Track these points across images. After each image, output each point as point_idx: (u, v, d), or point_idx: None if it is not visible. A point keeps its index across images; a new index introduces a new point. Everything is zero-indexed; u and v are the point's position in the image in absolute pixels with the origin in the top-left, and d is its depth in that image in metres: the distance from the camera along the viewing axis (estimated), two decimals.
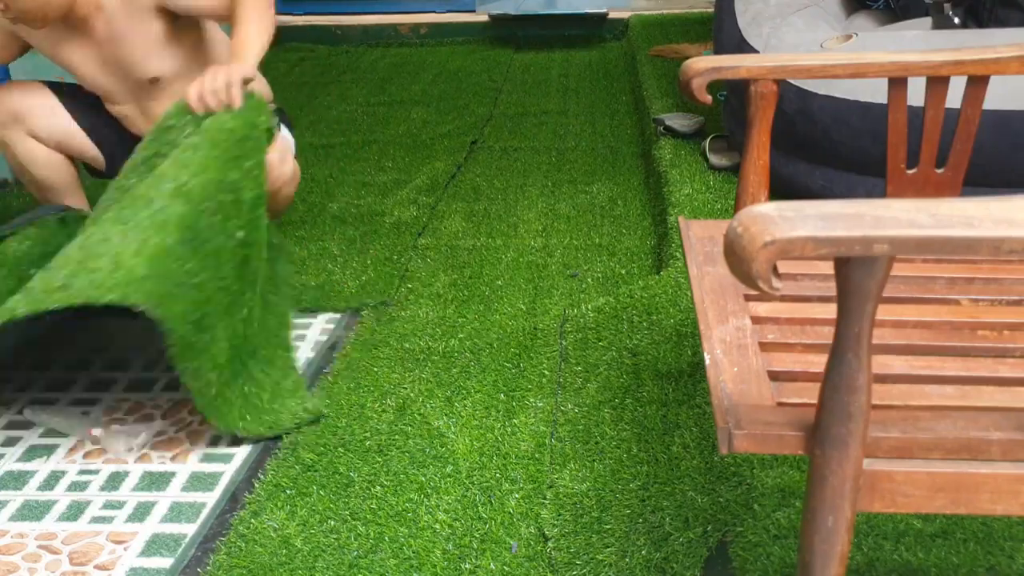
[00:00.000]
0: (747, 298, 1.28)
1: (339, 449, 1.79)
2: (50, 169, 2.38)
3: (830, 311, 0.91)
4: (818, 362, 0.94)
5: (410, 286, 2.45)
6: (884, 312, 1.18)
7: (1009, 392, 1.07)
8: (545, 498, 1.64)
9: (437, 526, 1.59)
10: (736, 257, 0.80)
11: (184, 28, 2.23)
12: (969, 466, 0.95)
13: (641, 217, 2.85)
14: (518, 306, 2.33)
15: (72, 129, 2.37)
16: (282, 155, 2.20)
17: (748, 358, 1.13)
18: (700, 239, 1.48)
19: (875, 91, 1.83)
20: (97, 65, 2.20)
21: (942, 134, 1.47)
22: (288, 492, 1.68)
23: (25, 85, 2.37)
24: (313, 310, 2.35)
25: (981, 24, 2.48)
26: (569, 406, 1.89)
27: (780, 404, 1.04)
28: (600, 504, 1.59)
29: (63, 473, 1.79)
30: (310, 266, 2.57)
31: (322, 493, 1.67)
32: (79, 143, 2.39)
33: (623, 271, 2.51)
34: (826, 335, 0.93)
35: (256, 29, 2.06)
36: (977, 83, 1.46)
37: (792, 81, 2.30)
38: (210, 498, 1.70)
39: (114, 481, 1.76)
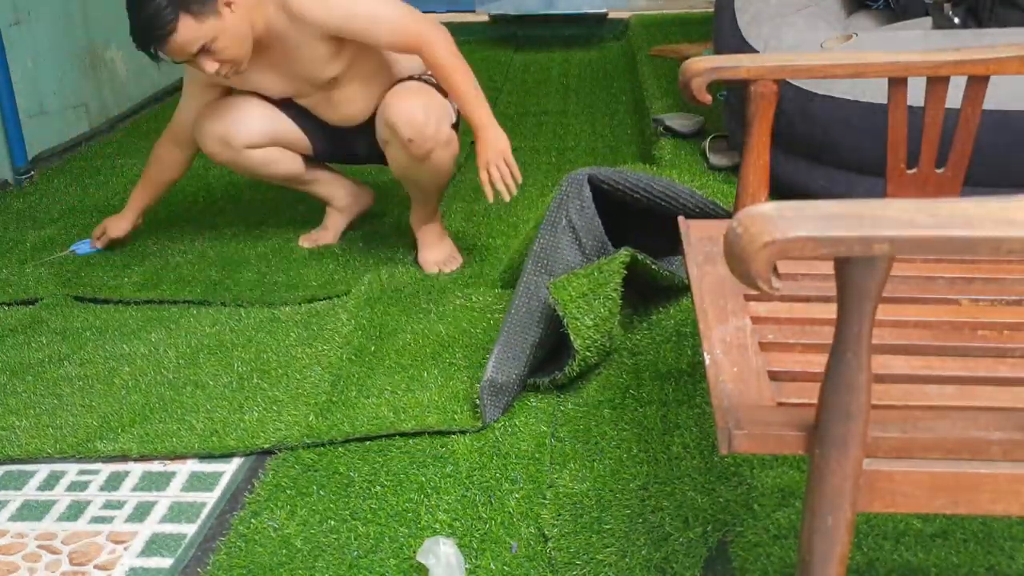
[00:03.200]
0: (747, 298, 1.28)
1: (339, 449, 1.79)
2: (280, 164, 2.53)
3: (830, 311, 0.91)
4: (818, 362, 0.94)
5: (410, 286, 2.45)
6: (884, 312, 1.17)
7: (1009, 392, 1.07)
8: (545, 498, 1.64)
9: (437, 526, 1.59)
10: (736, 257, 0.80)
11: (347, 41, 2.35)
12: (969, 466, 0.95)
13: None
14: None
15: (277, 123, 2.49)
16: (436, 118, 2.29)
17: (748, 358, 1.13)
18: (700, 239, 1.48)
19: (875, 91, 1.83)
20: (280, 79, 2.37)
21: (942, 134, 1.47)
22: (288, 492, 1.68)
23: (218, 106, 2.47)
24: (310, 300, 2.35)
25: (981, 24, 2.47)
26: (569, 406, 1.89)
27: (780, 404, 1.04)
28: (600, 504, 1.59)
29: (63, 473, 1.79)
30: (312, 265, 2.57)
31: (322, 493, 1.67)
32: (287, 131, 2.50)
33: None
34: (826, 335, 0.93)
35: (471, 81, 2.29)
36: (977, 83, 1.46)
37: (792, 81, 2.30)
38: (210, 498, 1.70)
39: (114, 481, 1.76)
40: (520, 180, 2.28)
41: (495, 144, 2.25)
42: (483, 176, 2.24)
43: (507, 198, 2.27)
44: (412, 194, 2.50)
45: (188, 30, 2.12)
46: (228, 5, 2.16)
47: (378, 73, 2.41)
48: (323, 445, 1.80)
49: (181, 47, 2.15)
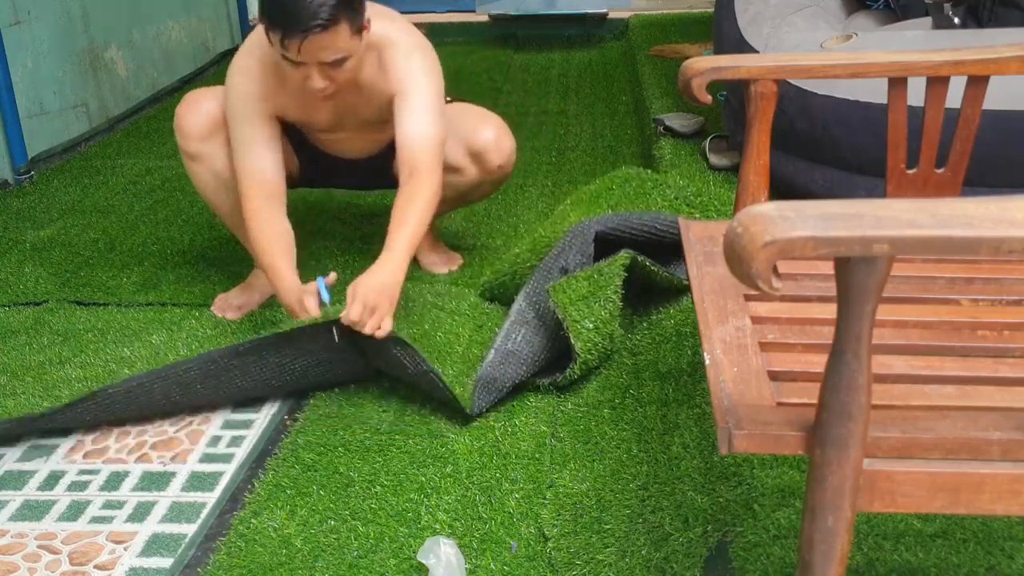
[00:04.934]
0: (747, 298, 1.28)
1: (339, 449, 1.79)
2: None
3: (830, 311, 0.91)
4: (818, 362, 0.94)
5: (411, 286, 2.45)
6: (884, 312, 1.17)
7: (1009, 392, 1.07)
8: (545, 498, 1.64)
9: (437, 526, 1.59)
10: (736, 257, 0.80)
11: None
12: (969, 466, 0.95)
13: None
14: None
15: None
16: (509, 135, 2.31)
17: (748, 358, 1.13)
18: (700, 239, 1.48)
19: (875, 91, 1.83)
20: (332, 113, 2.20)
21: (942, 134, 1.47)
22: (288, 492, 1.68)
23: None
24: None
25: (981, 24, 2.47)
26: (569, 406, 1.89)
27: (780, 404, 1.04)
28: (600, 504, 1.59)
29: (63, 473, 1.79)
30: (311, 266, 2.57)
31: (322, 493, 1.67)
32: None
33: None
34: (826, 335, 0.93)
35: (418, 213, 2.02)
36: (977, 83, 1.46)
37: (792, 81, 2.30)
38: (210, 498, 1.70)
39: (114, 481, 1.76)
40: (387, 331, 1.83)
41: (389, 279, 1.89)
42: (350, 312, 1.82)
43: (366, 331, 1.83)
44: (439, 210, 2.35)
45: (341, 37, 1.90)
46: (365, 29, 1.99)
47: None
48: (323, 445, 1.80)
49: (323, 49, 1.90)
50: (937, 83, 1.46)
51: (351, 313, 1.81)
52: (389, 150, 2.27)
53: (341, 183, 2.58)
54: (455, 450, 1.77)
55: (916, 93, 1.47)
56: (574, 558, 1.49)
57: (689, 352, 1.95)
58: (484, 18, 5.33)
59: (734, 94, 2.69)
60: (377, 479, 1.70)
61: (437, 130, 2.08)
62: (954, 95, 1.46)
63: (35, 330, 2.30)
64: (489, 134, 2.29)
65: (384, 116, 2.18)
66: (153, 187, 3.23)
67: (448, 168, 2.22)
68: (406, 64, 2.10)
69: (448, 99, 2.30)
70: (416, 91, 2.09)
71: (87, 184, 3.29)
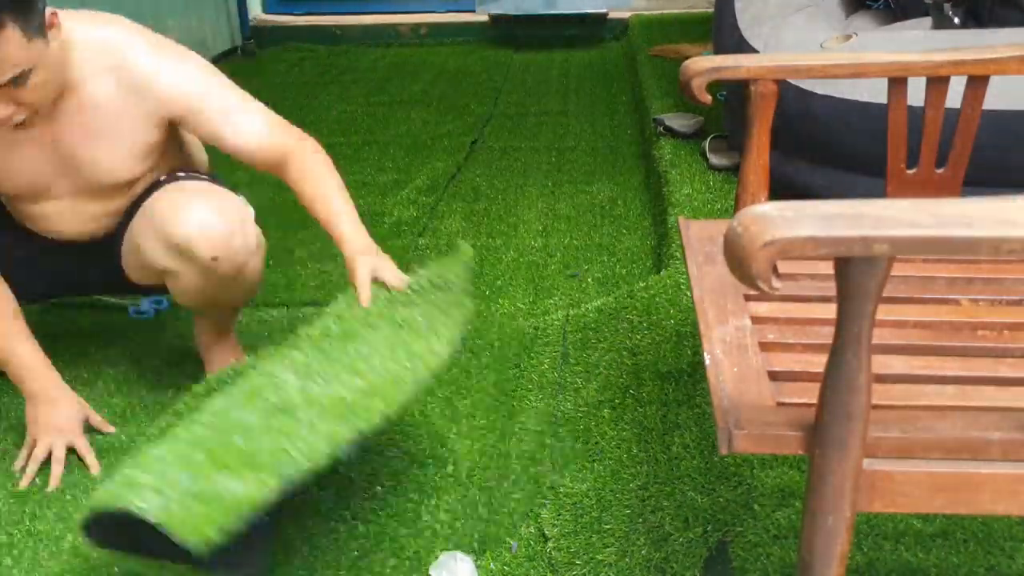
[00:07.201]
0: (747, 298, 1.28)
1: None
2: None
3: (830, 311, 0.91)
4: (818, 362, 0.94)
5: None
6: (884, 312, 1.17)
7: (1009, 392, 1.07)
8: (545, 498, 1.64)
9: (437, 526, 1.59)
10: (736, 257, 0.80)
11: (174, 135, 1.79)
12: (969, 466, 0.95)
13: (641, 217, 2.85)
14: (518, 306, 2.33)
15: None
16: (239, 219, 1.71)
17: (748, 358, 1.13)
18: (700, 239, 1.48)
19: (875, 91, 1.83)
20: (44, 162, 1.69)
21: (942, 134, 1.47)
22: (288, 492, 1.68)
23: None
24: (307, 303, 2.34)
25: (981, 24, 2.48)
26: (569, 406, 1.89)
27: (780, 404, 1.04)
28: (600, 504, 1.59)
29: None
30: (310, 267, 2.57)
31: (322, 493, 1.67)
32: None
33: (623, 271, 2.51)
34: (826, 335, 0.93)
35: (342, 194, 1.66)
36: (977, 83, 1.46)
37: (792, 81, 2.30)
38: None
39: None
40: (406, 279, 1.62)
41: (387, 269, 1.61)
42: (362, 293, 1.56)
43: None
44: (208, 314, 1.91)
45: (11, 44, 1.43)
46: (52, 27, 1.52)
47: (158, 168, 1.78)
48: None
49: None
50: (937, 83, 1.46)
51: (364, 298, 1.55)
52: (122, 229, 1.80)
53: (90, 284, 1.99)
54: (455, 450, 1.77)
55: (916, 93, 1.47)
56: (574, 558, 1.49)
57: (689, 352, 1.95)
58: (484, 18, 5.32)
59: (734, 94, 2.69)
60: (377, 479, 1.70)
61: (267, 116, 1.71)
62: (954, 95, 1.46)
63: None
64: (188, 217, 1.65)
65: (149, 157, 1.73)
66: None
67: (163, 273, 1.74)
68: (164, 71, 1.65)
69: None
70: (205, 98, 1.67)
71: None
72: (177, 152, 1.83)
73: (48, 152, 1.67)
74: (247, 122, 1.69)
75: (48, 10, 1.51)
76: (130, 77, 1.64)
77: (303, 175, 1.67)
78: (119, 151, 1.69)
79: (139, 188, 1.77)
